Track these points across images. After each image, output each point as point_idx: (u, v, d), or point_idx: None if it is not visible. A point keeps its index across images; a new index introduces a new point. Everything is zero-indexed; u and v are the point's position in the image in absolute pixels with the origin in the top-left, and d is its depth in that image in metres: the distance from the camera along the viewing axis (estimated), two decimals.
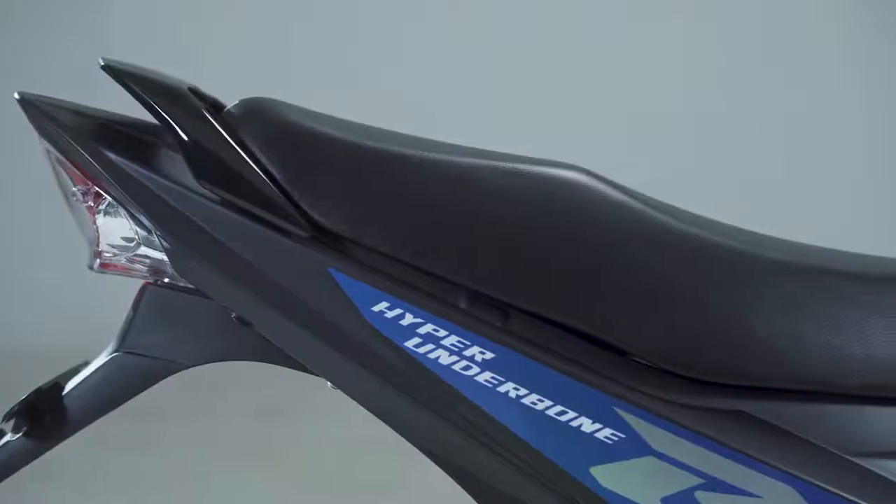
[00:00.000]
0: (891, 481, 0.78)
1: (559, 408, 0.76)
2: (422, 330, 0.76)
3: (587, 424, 0.76)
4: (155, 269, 0.82)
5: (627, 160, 3.80)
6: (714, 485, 0.76)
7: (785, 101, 3.77)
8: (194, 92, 0.83)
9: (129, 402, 0.83)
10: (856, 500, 0.77)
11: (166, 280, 0.82)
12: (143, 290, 0.83)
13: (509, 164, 0.78)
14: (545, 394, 0.76)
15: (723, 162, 3.81)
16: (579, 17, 3.76)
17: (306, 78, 3.65)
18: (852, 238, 3.65)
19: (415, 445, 0.80)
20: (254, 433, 2.67)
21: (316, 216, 0.77)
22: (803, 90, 3.75)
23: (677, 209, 0.83)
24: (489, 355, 0.75)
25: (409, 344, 0.76)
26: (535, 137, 3.77)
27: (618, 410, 0.75)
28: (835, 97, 3.72)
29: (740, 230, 0.84)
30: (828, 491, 0.77)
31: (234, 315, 0.80)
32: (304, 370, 0.81)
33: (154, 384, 0.84)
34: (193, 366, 0.82)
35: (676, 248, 0.77)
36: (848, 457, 0.78)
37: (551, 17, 3.79)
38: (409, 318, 0.76)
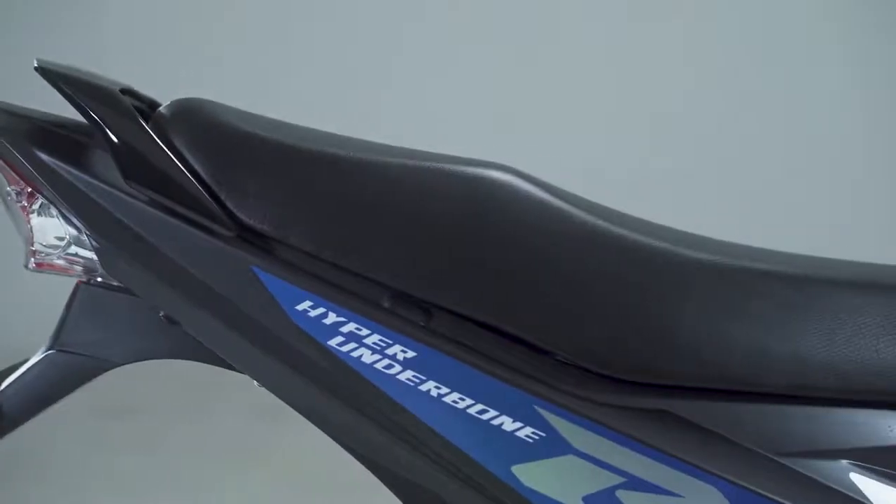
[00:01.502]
0: (815, 481, 0.78)
1: (480, 406, 0.76)
2: (345, 329, 0.76)
3: (508, 423, 0.76)
4: (88, 268, 0.83)
5: (626, 160, 3.81)
6: (635, 484, 0.76)
7: (785, 101, 3.76)
8: (130, 93, 0.84)
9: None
10: (779, 499, 0.77)
11: (99, 279, 0.83)
12: (76, 288, 0.84)
13: (434, 164, 0.79)
14: (466, 392, 0.76)
15: (722, 162, 3.81)
16: (579, 16, 3.75)
17: (305, 77, 3.68)
18: (852, 238, 3.64)
19: (342, 445, 0.80)
20: (250, 433, 2.68)
21: (241, 215, 0.77)
22: (803, 90, 3.74)
23: (607, 210, 0.83)
24: (411, 354, 0.76)
25: (332, 342, 0.76)
26: (535, 137, 3.78)
27: (539, 409, 0.76)
28: (835, 97, 3.71)
29: (671, 230, 0.84)
30: (750, 490, 0.77)
31: (161, 314, 0.81)
32: (232, 368, 0.81)
33: (87, 382, 0.85)
34: (125, 364, 0.83)
35: (600, 249, 0.77)
36: (773, 457, 0.78)
37: (551, 17, 3.79)
38: (332, 317, 0.76)
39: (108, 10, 3.54)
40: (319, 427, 0.81)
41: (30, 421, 0.87)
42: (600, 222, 0.78)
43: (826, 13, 3.69)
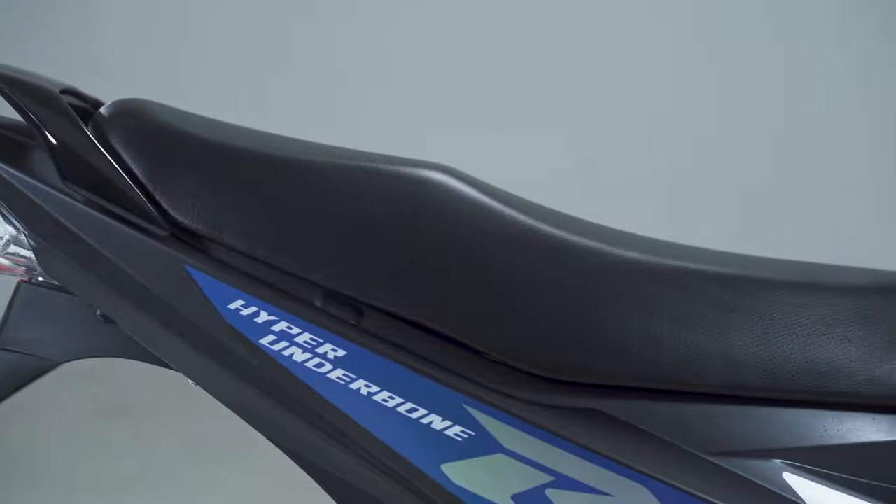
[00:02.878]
0: (747, 480, 0.78)
1: (410, 405, 0.76)
2: (276, 327, 0.77)
3: (437, 422, 0.76)
4: (29, 267, 0.83)
5: (625, 160, 3.80)
6: (565, 483, 0.76)
7: (785, 102, 3.75)
8: (73, 93, 0.84)
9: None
10: (709, 499, 0.77)
11: (40, 278, 0.84)
12: (17, 287, 0.84)
13: (368, 164, 0.79)
14: (396, 391, 0.76)
15: (722, 162, 3.80)
16: (578, 16, 3.75)
17: (301, 77, 3.69)
18: (852, 238, 3.62)
19: (274, 443, 0.81)
20: (243, 432, 2.68)
21: (175, 215, 0.78)
22: (803, 90, 3.73)
23: (543, 209, 0.83)
24: (341, 353, 0.76)
25: (264, 341, 0.77)
26: (534, 138, 3.78)
27: (468, 408, 0.76)
28: (834, 97, 3.70)
29: (606, 229, 0.84)
30: (680, 490, 0.77)
31: (98, 313, 0.82)
32: (169, 366, 0.82)
33: (30, 382, 0.85)
34: (66, 362, 0.84)
35: (531, 248, 0.78)
36: (705, 456, 0.78)
37: (551, 17, 3.79)
38: (263, 316, 0.77)
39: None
40: (252, 425, 0.81)
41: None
42: (533, 222, 0.78)
43: (826, 13, 3.68)
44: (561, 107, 3.77)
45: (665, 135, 3.80)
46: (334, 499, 0.81)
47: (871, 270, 0.86)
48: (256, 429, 0.81)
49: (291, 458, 0.81)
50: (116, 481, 2.32)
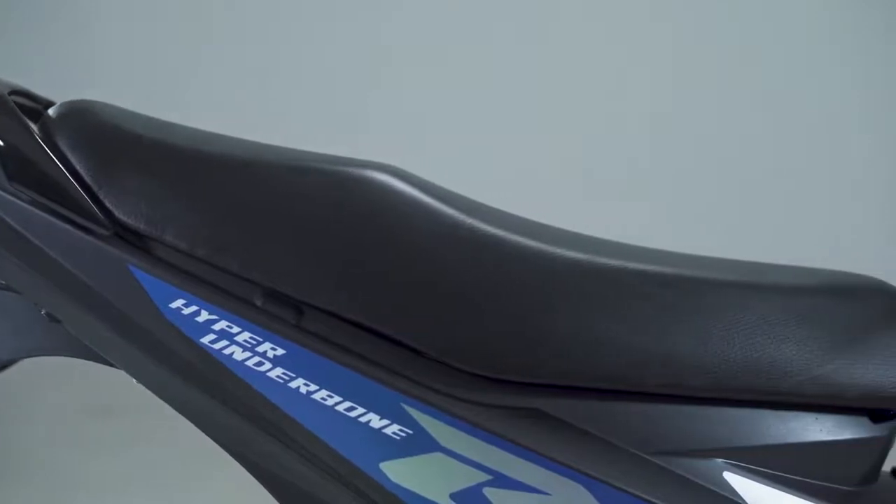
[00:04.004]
0: (688, 480, 0.78)
1: (348, 403, 0.77)
2: (216, 326, 0.77)
3: (376, 420, 0.76)
4: None
5: (624, 160, 3.80)
6: (503, 481, 0.76)
7: (785, 102, 3.74)
8: (24, 94, 0.85)
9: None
10: (649, 498, 0.77)
11: None
12: None
13: (309, 164, 0.80)
14: (334, 389, 0.77)
15: (722, 162, 3.79)
16: (575, 17, 3.75)
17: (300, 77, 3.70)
18: (851, 239, 3.61)
19: (217, 442, 0.81)
20: None
21: (119, 215, 0.78)
22: (803, 90, 3.72)
23: (487, 209, 0.83)
24: (280, 352, 0.77)
25: (205, 340, 0.77)
26: (534, 139, 3.78)
27: (405, 407, 0.76)
28: (834, 97, 3.69)
29: (549, 228, 0.85)
30: (619, 489, 0.77)
31: (43, 312, 0.82)
32: (113, 365, 0.82)
33: None
34: (11, 360, 0.84)
35: (473, 248, 0.78)
36: (645, 455, 0.78)
37: (550, 17, 3.79)
38: (204, 315, 0.77)
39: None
40: (197, 426, 0.82)
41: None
42: (475, 222, 0.79)
43: (826, 13, 3.67)
44: (560, 107, 3.77)
45: (664, 135, 3.80)
46: (275, 496, 0.82)
47: (817, 270, 0.86)
48: (201, 429, 0.82)
49: (236, 459, 0.82)
50: (106, 481, 2.33)
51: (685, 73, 3.79)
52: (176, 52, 3.62)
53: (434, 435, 0.76)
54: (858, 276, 0.86)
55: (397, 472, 0.77)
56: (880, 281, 0.85)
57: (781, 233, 3.70)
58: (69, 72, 3.32)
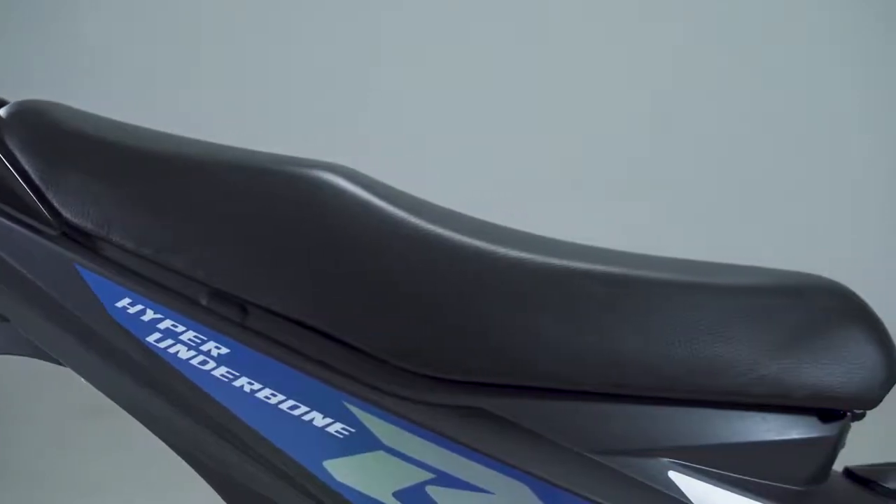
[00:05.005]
0: (632, 479, 0.78)
1: (291, 402, 0.77)
2: (162, 325, 0.77)
3: (319, 419, 0.77)
4: None
5: (623, 161, 3.80)
6: (445, 480, 0.77)
7: (784, 103, 3.74)
8: None
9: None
10: (592, 497, 0.77)
11: None
12: None
13: (254, 164, 0.80)
14: (278, 388, 0.77)
15: (721, 162, 3.79)
16: (573, 18, 3.75)
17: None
18: (851, 239, 3.60)
19: (164, 441, 0.82)
20: None
21: (66, 214, 0.79)
22: (803, 91, 3.71)
23: (436, 209, 0.84)
24: (225, 350, 0.77)
25: (150, 339, 0.78)
26: (532, 139, 3.78)
27: (347, 405, 0.76)
28: (834, 99, 3.68)
29: (501, 228, 0.85)
30: (562, 488, 0.77)
31: None
32: (63, 365, 0.83)
33: None
34: None
35: (415, 247, 0.78)
36: (589, 455, 0.78)
37: (548, 17, 3.79)
38: (149, 314, 0.78)
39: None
40: (147, 426, 0.82)
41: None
42: (419, 221, 0.79)
43: (827, 14, 3.67)
44: (559, 107, 3.77)
45: (663, 135, 3.79)
46: (221, 495, 0.82)
47: (770, 270, 0.86)
48: (151, 430, 0.82)
49: (187, 461, 0.82)
50: (104, 481, 2.34)
51: (685, 73, 3.79)
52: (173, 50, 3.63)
53: (376, 433, 0.76)
54: (810, 276, 0.86)
55: (341, 470, 0.77)
56: (831, 281, 0.85)
57: (779, 233, 3.69)
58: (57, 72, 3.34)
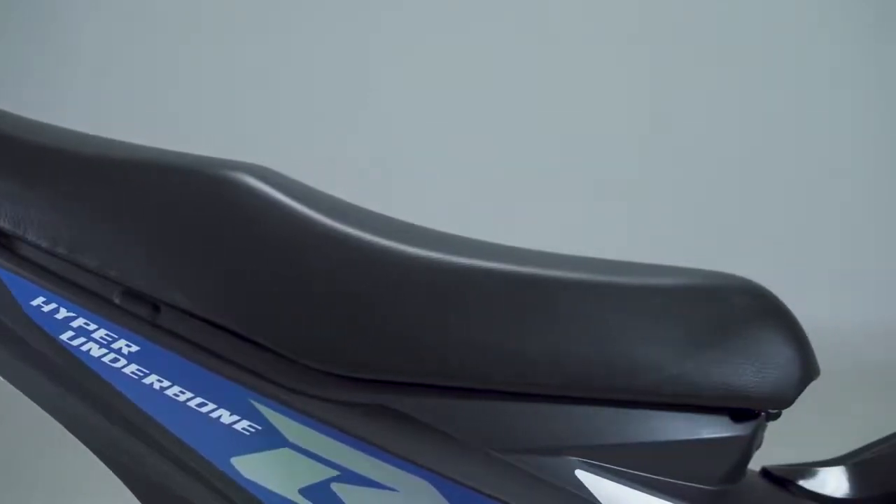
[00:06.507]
0: (537, 478, 0.79)
1: (199, 399, 0.78)
2: (74, 323, 0.78)
3: (226, 416, 0.78)
4: None
5: (623, 162, 3.80)
6: (350, 477, 0.77)
7: (785, 104, 3.73)
8: None
9: None
10: (496, 496, 0.78)
11: None
12: None
13: (168, 163, 0.81)
14: (186, 386, 0.78)
15: (721, 162, 3.78)
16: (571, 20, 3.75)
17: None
18: (850, 240, 3.58)
19: (89, 447, 0.83)
20: None
21: None
22: (802, 90, 3.70)
23: (353, 210, 0.84)
24: (135, 348, 0.78)
25: (64, 337, 0.79)
26: (532, 138, 3.78)
27: (254, 403, 0.77)
28: (834, 100, 3.67)
29: (418, 229, 0.85)
30: (465, 486, 0.77)
31: None
32: None
33: None
34: None
35: (321, 246, 0.79)
36: (495, 453, 0.78)
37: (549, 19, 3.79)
38: (63, 312, 0.79)
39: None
40: (64, 425, 0.83)
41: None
42: (327, 220, 0.79)
43: (827, 14, 3.66)
44: (559, 107, 3.77)
45: (664, 135, 3.79)
46: (134, 493, 0.83)
47: (686, 269, 0.86)
48: (70, 431, 0.83)
49: (104, 462, 0.83)
50: (96, 482, 2.34)
51: (684, 76, 3.78)
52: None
53: (282, 431, 0.77)
54: (727, 275, 0.86)
55: (248, 467, 0.78)
56: (747, 280, 0.85)
57: (780, 234, 3.68)
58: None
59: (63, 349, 0.79)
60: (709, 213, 3.72)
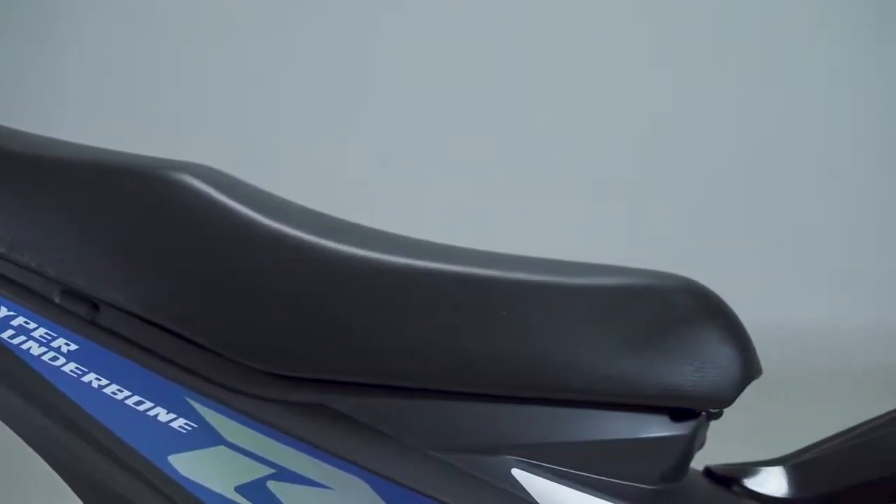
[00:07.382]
0: (474, 477, 0.79)
1: (137, 398, 0.78)
2: (15, 322, 0.79)
3: (163, 414, 0.78)
4: None
5: (623, 164, 3.79)
6: (285, 475, 0.78)
7: (784, 106, 3.72)
8: None
9: None
10: (431, 494, 0.78)
11: None
12: None
13: (108, 162, 0.81)
14: (123, 384, 0.78)
15: (721, 163, 3.77)
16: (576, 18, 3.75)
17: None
18: (850, 240, 3.57)
19: (34, 448, 0.84)
20: None
21: None
22: (802, 90, 3.69)
23: (295, 208, 0.85)
24: (74, 346, 0.79)
25: (4, 336, 0.79)
26: (531, 139, 3.78)
27: (190, 401, 0.78)
28: (834, 101, 3.66)
29: (361, 228, 0.86)
30: (400, 485, 0.78)
31: None
32: None
33: None
34: None
35: (259, 245, 0.79)
36: (432, 453, 0.79)
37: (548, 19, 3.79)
38: (3, 311, 0.79)
39: None
40: (10, 426, 0.84)
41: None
42: (266, 220, 0.80)
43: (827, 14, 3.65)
44: (558, 107, 3.77)
45: (664, 135, 3.78)
46: (75, 492, 0.84)
47: (627, 269, 0.86)
48: (15, 432, 0.84)
49: (49, 463, 0.83)
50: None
51: (684, 78, 3.78)
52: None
53: (218, 429, 0.78)
54: (669, 275, 0.86)
55: (185, 465, 0.79)
56: (689, 280, 0.86)
57: (780, 235, 3.67)
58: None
59: (3, 347, 0.80)
60: (709, 214, 3.72)
